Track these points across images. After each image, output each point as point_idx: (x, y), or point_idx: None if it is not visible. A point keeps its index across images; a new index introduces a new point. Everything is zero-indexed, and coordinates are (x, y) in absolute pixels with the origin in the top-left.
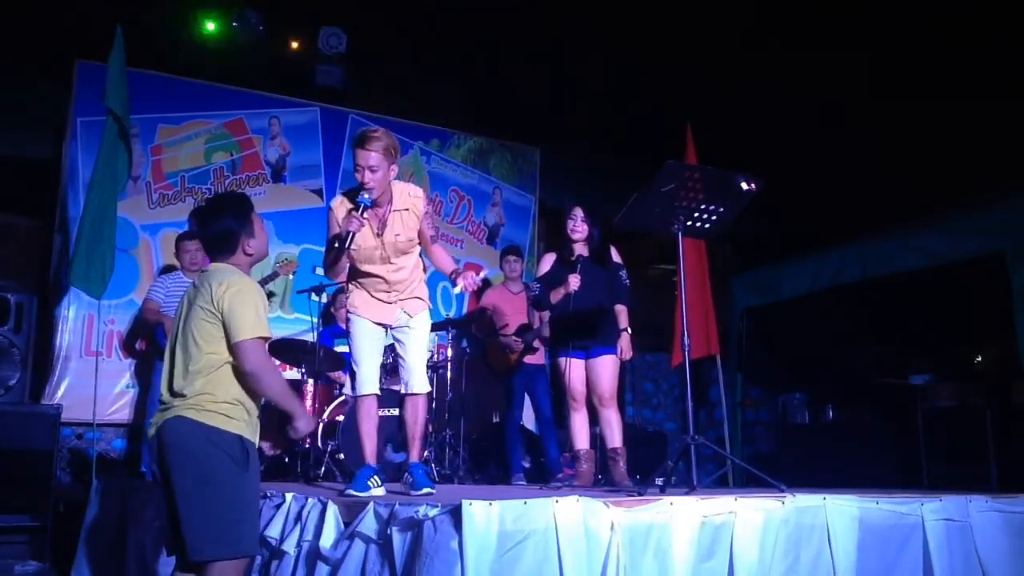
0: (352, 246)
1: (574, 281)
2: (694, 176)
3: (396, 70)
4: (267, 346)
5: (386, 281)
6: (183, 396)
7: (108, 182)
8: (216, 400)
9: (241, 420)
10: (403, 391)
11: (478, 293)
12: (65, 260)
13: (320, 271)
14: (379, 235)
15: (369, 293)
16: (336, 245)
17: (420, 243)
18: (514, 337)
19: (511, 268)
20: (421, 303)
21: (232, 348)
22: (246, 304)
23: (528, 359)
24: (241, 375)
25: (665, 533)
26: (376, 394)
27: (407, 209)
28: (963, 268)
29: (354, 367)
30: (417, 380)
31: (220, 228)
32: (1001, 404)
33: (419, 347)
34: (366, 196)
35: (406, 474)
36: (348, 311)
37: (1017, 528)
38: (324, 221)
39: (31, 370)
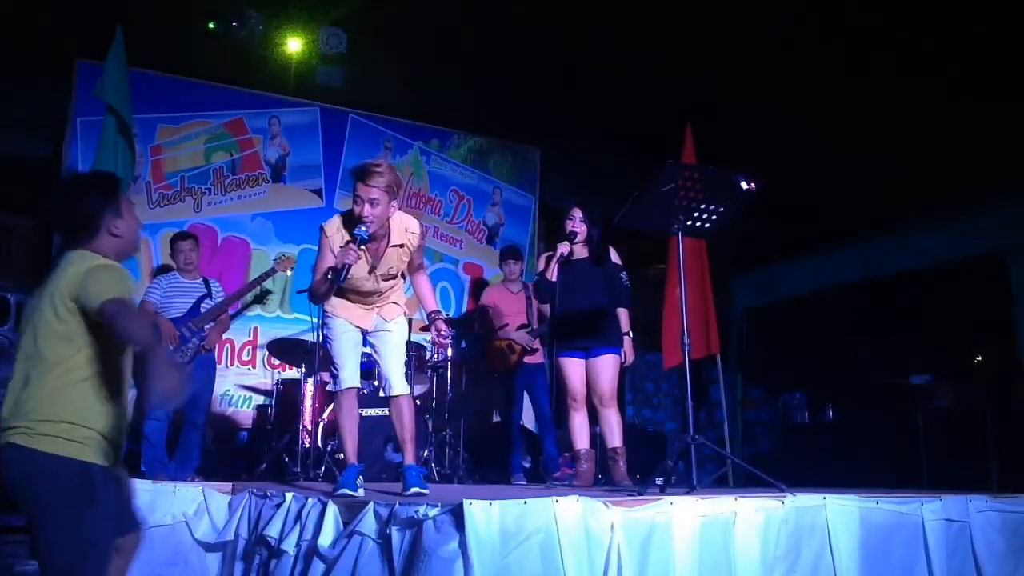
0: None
1: (563, 247)
2: (694, 176)
3: (396, 70)
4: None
5: (369, 299)
6: (17, 416)
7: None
8: (54, 421)
9: (84, 442)
10: (383, 394)
11: (477, 292)
12: None
13: None
14: (372, 269)
15: (347, 299)
16: (330, 276)
17: (406, 269)
18: (524, 332)
19: (511, 270)
20: (398, 308)
21: (98, 312)
22: (108, 277)
23: (528, 359)
24: (102, 385)
25: (665, 533)
26: (358, 388)
27: (402, 245)
28: (963, 268)
29: (333, 364)
30: (396, 382)
31: (80, 205)
32: (1001, 404)
33: (395, 350)
34: (364, 229)
35: (403, 475)
36: (325, 311)
37: (1016, 528)
38: (323, 221)
39: None
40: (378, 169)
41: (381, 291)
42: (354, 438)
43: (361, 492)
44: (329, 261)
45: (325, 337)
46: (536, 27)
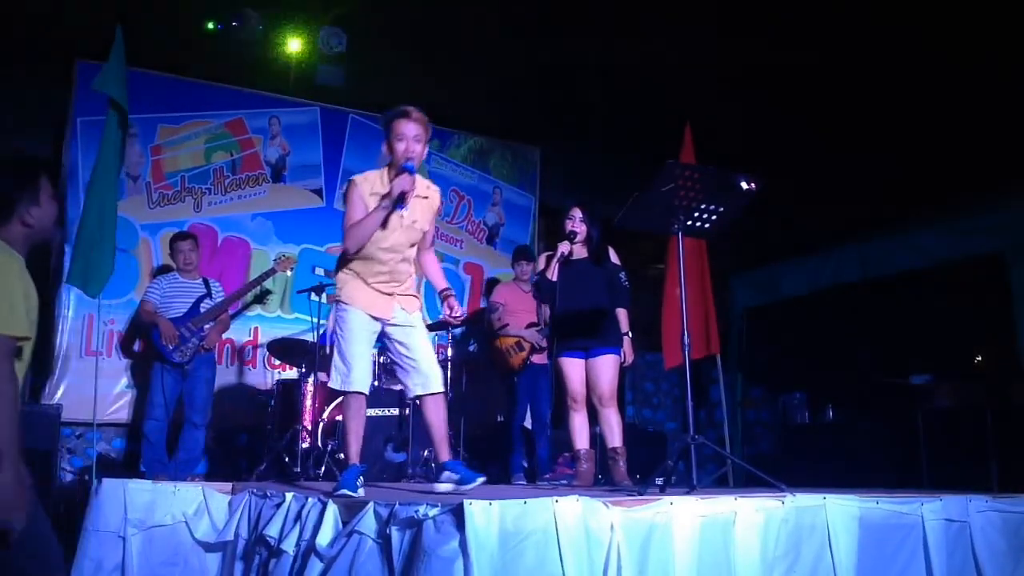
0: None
1: (564, 246)
2: (693, 176)
3: (396, 70)
4: (19, 350)
5: (389, 271)
6: None
7: (109, 180)
8: None
9: None
10: (419, 392)
11: (488, 289)
12: (66, 260)
13: (320, 271)
14: (401, 217)
15: (365, 282)
16: (384, 204)
17: (419, 245)
18: (534, 330)
19: (522, 270)
20: (417, 301)
21: None
22: None
23: (535, 359)
24: None
25: (665, 533)
26: (366, 393)
27: (427, 198)
28: (963, 268)
29: (342, 361)
30: (437, 378)
31: None
32: (1001, 404)
33: (428, 345)
34: (411, 163)
35: (446, 472)
36: (341, 302)
37: (1016, 528)
38: (324, 221)
39: (31, 370)
40: (412, 108)
41: (404, 255)
42: (359, 440)
43: (361, 492)
44: (360, 213)
45: (337, 330)
46: (536, 27)
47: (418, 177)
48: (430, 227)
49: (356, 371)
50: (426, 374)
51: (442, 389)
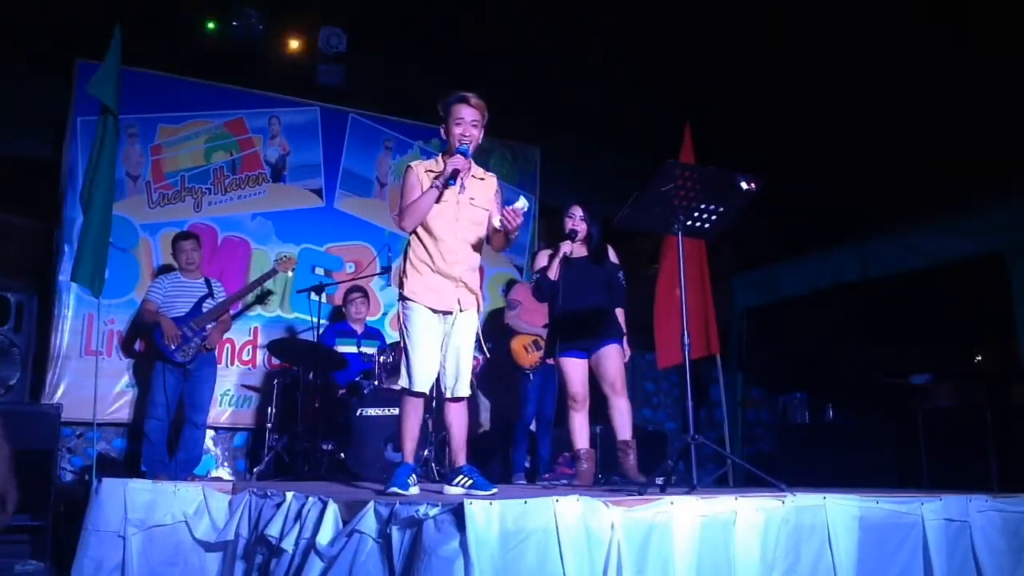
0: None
1: (566, 246)
2: (693, 176)
3: (396, 70)
4: None
5: (453, 249)
6: None
7: (109, 180)
8: None
9: None
10: (448, 395)
11: (507, 288)
12: (66, 259)
13: (320, 270)
14: (458, 193)
15: (431, 268)
16: (437, 183)
17: (489, 232)
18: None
19: None
20: (475, 300)
21: None
22: None
23: (550, 359)
24: None
25: (665, 533)
26: (425, 393)
27: (483, 179)
28: (963, 268)
29: (406, 358)
30: (459, 384)
31: None
32: (1001, 404)
33: (469, 346)
34: (466, 146)
35: (461, 476)
36: (405, 298)
37: (1016, 528)
38: (324, 221)
39: (31, 370)
40: (472, 94)
41: (466, 236)
42: (413, 440)
43: (414, 491)
44: (417, 192)
45: (402, 328)
46: (536, 27)
47: (473, 163)
48: (494, 209)
49: (416, 370)
50: (451, 377)
51: (463, 395)
